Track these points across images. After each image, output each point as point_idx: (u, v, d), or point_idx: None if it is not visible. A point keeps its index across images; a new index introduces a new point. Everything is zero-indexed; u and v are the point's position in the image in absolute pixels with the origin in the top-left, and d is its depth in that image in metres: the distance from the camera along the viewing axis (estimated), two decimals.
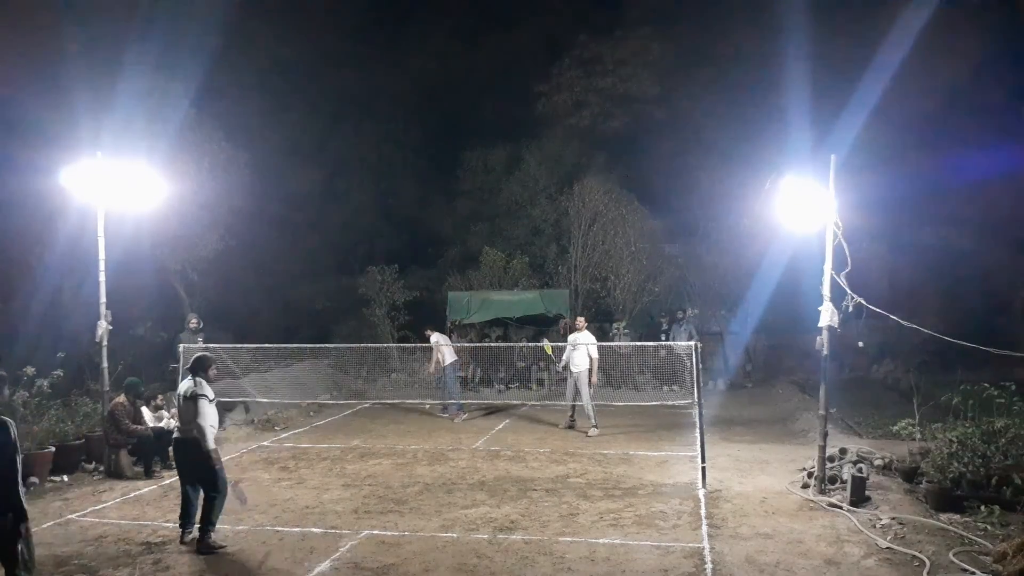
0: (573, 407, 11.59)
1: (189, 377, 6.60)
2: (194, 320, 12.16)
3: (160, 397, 10.03)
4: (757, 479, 8.43)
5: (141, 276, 14.34)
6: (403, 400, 13.26)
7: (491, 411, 13.47)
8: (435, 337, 12.77)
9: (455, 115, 24.98)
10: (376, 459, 9.75)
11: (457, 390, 12.93)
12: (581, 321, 11.95)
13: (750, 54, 20.76)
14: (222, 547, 6.35)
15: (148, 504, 7.83)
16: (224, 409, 12.56)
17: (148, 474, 8.92)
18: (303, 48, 22.12)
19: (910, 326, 7.76)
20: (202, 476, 6.45)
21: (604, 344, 15.39)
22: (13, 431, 4.58)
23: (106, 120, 12.59)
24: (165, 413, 9.84)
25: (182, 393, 6.52)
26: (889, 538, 6.28)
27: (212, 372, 6.73)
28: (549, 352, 13.62)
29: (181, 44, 15.54)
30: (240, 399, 12.35)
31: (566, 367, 11.64)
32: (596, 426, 11.20)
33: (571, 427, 11.54)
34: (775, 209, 7.96)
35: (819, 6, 18.56)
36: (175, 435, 6.70)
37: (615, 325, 17.10)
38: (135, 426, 9.01)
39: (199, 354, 6.81)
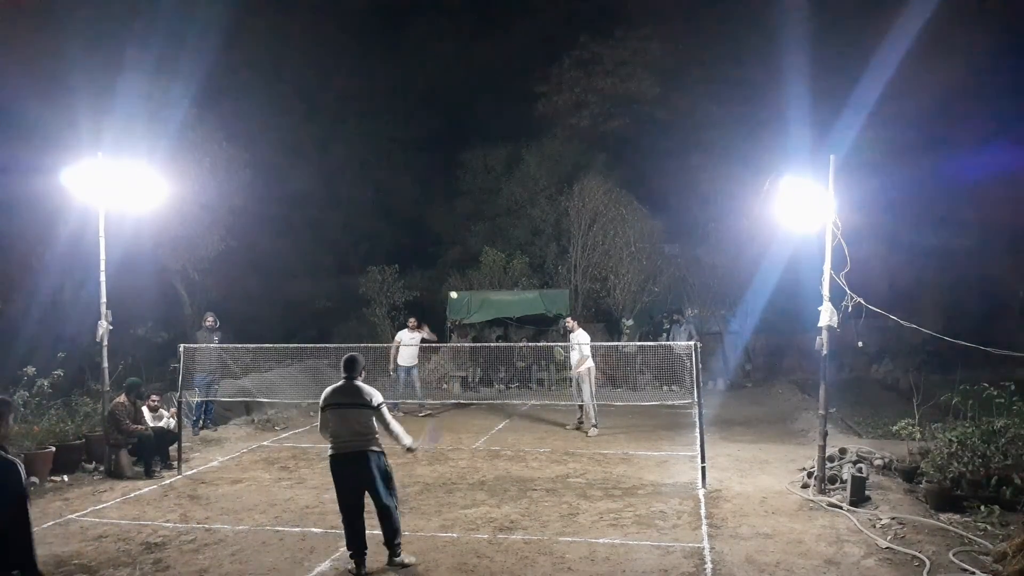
0: (581, 407, 11.61)
1: (345, 382, 5.92)
2: (210, 318, 12.14)
3: (155, 397, 9.99)
4: (757, 479, 8.44)
5: (142, 276, 14.35)
6: (403, 400, 13.26)
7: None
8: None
9: (455, 115, 24.98)
10: None
11: (399, 389, 13.10)
12: (571, 322, 11.95)
13: (750, 54, 20.77)
14: (413, 562, 5.91)
15: (148, 504, 7.84)
16: (224, 409, 12.62)
17: (148, 474, 8.92)
18: (304, 48, 22.14)
19: (910, 326, 7.77)
20: (384, 486, 5.82)
21: (608, 344, 15.49)
22: (22, 475, 3.72)
23: (107, 120, 12.60)
24: (164, 413, 9.85)
25: (346, 401, 5.83)
26: (889, 538, 6.29)
27: (362, 376, 6.08)
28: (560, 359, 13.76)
29: (182, 44, 15.56)
30: (241, 399, 12.35)
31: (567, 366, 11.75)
32: (596, 426, 11.21)
33: (579, 427, 11.55)
34: (775, 209, 7.96)
35: (819, 6, 18.59)
36: (333, 451, 5.85)
37: (624, 323, 17.11)
38: (135, 426, 9.02)
39: (352, 355, 6.00)
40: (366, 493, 5.84)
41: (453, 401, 14.37)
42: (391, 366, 13.09)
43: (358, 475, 5.81)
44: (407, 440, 6.09)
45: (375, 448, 5.85)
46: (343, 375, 5.98)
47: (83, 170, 8.86)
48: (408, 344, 13.07)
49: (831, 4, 19.29)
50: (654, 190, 20.48)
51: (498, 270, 18.86)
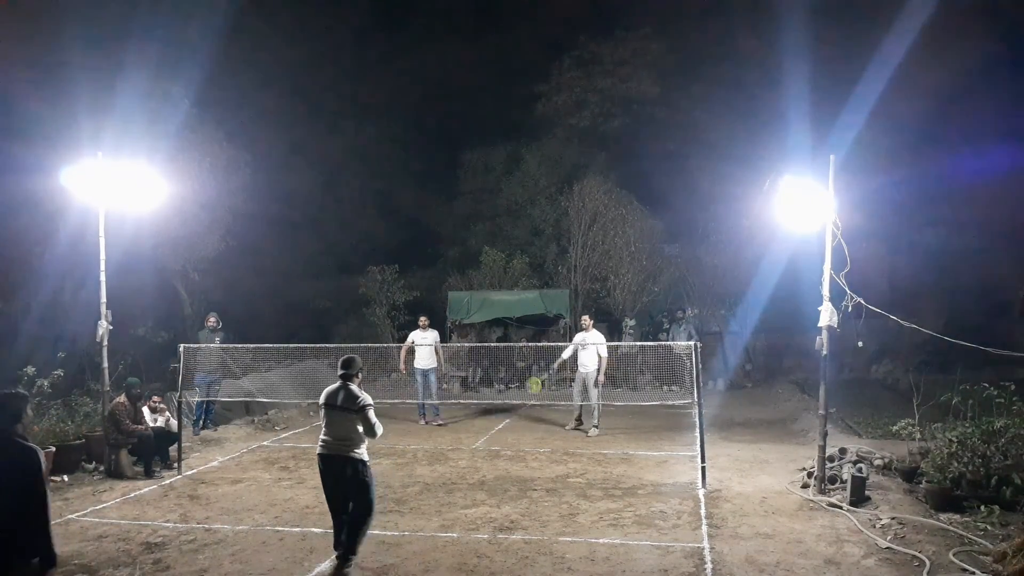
0: (580, 407, 11.59)
1: (340, 383, 5.95)
2: (212, 319, 12.11)
3: (156, 398, 9.97)
4: (757, 479, 8.44)
5: (142, 276, 14.35)
6: (403, 400, 13.26)
7: (491, 410, 13.50)
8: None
9: (455, 115, 25.01)
10: (376, 459, 9.70)
11: (420, 392, 12.25)
12: (587, 320, 11.90)
13: (750, 54, 20.80)
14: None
15: (148, 504, 7.83)
16: (224, 409, 12.62)
17: (148, 474, 8.92)
18: (304, 49, 22.16)
19: (910, 326, 7.77)
20: (356, 496, 5.82)
21: (608, 344, 15.45)
22: (42, 462, 4.10)
23: (107, 120, 12.60)
24: (167, 413, 9.84)
25: (337, 403, 5.84)
26: (889, 538, 6.29)
27: (359, 377, 6.09)
28: (536, 390, 12.83)
29: (182, 44, 15.58)
30: (241, 399, 12.35)
31: (568, 367, 11.69)
32: (597, 426, 11.22)
33: (578, 427, 11.54)
34: (775, 209, 7.96)
35: (819, 6, 18.59)
36: (321, 451, 5.89)
37: (627, 322, 17.11)
38: (135, 426, 9.01)
39: (350, 356, 6.09)
40: None
41: (462, 401, 14.18)
42: (402, 368, 12.44)
43: (337, 479, 5.84)
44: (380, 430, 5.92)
45: (356, 455, 5.81)
46: (338, 374, 6.03)
47: (83, 170, 8.85)
48: (421, 344, 12.14)
49: (831, 4, 19.29)
50: (654, 190, 20.50)
51: (498, 270, 18.86)
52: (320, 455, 5.93)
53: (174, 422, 9.57)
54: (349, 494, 5.84)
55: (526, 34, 25.32)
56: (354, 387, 5.94)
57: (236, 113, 17.61)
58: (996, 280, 17.48)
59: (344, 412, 5.83)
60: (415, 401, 12.40)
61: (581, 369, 11.41)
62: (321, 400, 6.01)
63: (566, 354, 11.65)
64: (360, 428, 5.83)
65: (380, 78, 24.24)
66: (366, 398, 5.89)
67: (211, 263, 16.03)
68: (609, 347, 15.21)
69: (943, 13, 15.70)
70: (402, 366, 12.45)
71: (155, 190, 9.53)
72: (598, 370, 11.21)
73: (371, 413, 5.83)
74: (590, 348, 11.25)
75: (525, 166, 21.96)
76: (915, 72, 16.33)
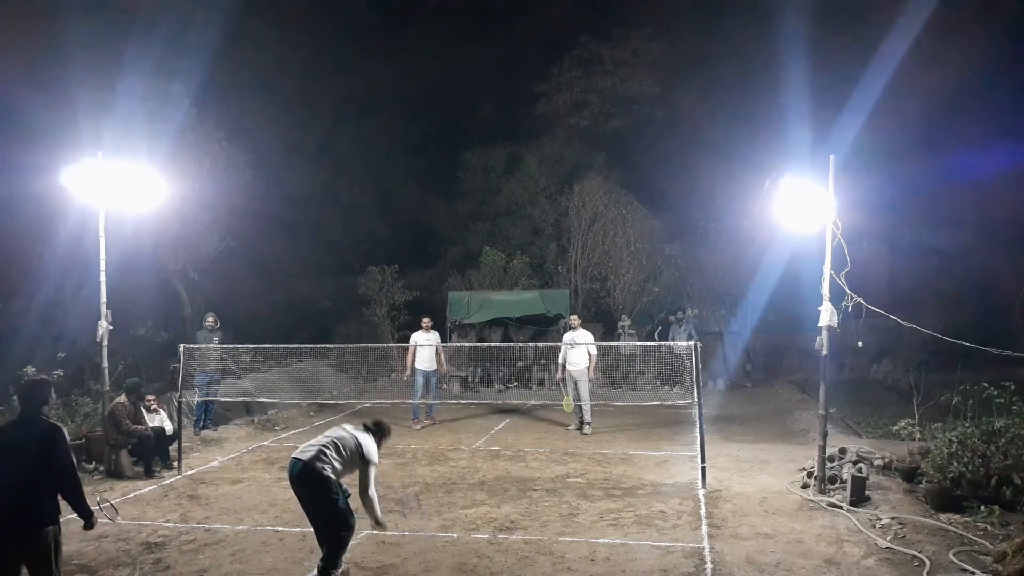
0: (579, 406, 11.59)
1: (363, 431, 5.71)
2: (211, 318, 12.08)
3: (150, 397, 9.89)
4: (757, 479, 8.44)
5: (142, 276, 14.36)
6: (403, 400, 13.26)
7: (493, 411, 13.50)
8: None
9: (455, 115, 25.03)
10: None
11: (417, 393, 12.16)
12: (576, 319, 11.96)
13: (750, 54, 20.79)
14: None
15: (148, 504, 7.84)
16: (224, 409, 12.62)
17: (148, 474, 8.92)
18: (304, 48, 22.16)
19: (910, 326, 7.77)
20: (320, 515, 5.36)
21: (608, 344, 15.48)
22: (66, 437, 4.59)
23: (107, 120, 12.60)
24: (163, 413, 9.83)
25: (346, 430, 5.66)
26: (889, 538, 6.29)
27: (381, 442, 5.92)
28: (569, 409, 12.30)
29: (182, 44, 15.57)
30: (241, 399, 12.34)
31: (563, 366, 11.71)
32: (589, 422, 11.25)
33: (580, 427, 11.53)
34: (775, 209, 7.97)
35: (819, 6, 18.60)
36: (289, 466, 5.42)
37: (621, 324, 17.11)
38: (135, 426, 9.02)
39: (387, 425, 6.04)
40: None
41: (462, 401, 14.16)
42: (407, 373, 12.22)
43: (301, 498, 5.46)
44: (379, 513, 5.67)
45: (321, 468, 5.32)
46: (364, 423, 5.86)
47: (83, 170, 8.86)
48: (424, 345, 12.02)
49: (831, 4, 19.30)
50: (654, 190, 20.50)
51: (498, 270, 18.86)
52: (288, 474, 5.42)
53: (169, 425, 9.55)
54: (312, 514, 5.37)
55: (526, 34, 25.33)
56: (371, 441, 5.72)
57: (236, 113, 17.60)
58: (996, 280, 17.48)
59: (348, 438, 5.57)
60: (412, 401, 12.39)
61: (571, 368, 11.44)
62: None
63: (562, 357, 11.66)
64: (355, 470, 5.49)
65: (380, 78, 24.25)
66: (375, 456, 5.66)
67: (211, 263, 16.03)
68: (609, 347, 15.35)
69: (943, 13, 15.71)
70: (408, 371, 12.22)
71: (155, 190, 9.54)
72: (589, 367, 11.31)
73: (373, 472, 5.58)
74: (580, 347, 11.29)
75: (525, 166, 21.97)
76: (915, 72, 16.33)
